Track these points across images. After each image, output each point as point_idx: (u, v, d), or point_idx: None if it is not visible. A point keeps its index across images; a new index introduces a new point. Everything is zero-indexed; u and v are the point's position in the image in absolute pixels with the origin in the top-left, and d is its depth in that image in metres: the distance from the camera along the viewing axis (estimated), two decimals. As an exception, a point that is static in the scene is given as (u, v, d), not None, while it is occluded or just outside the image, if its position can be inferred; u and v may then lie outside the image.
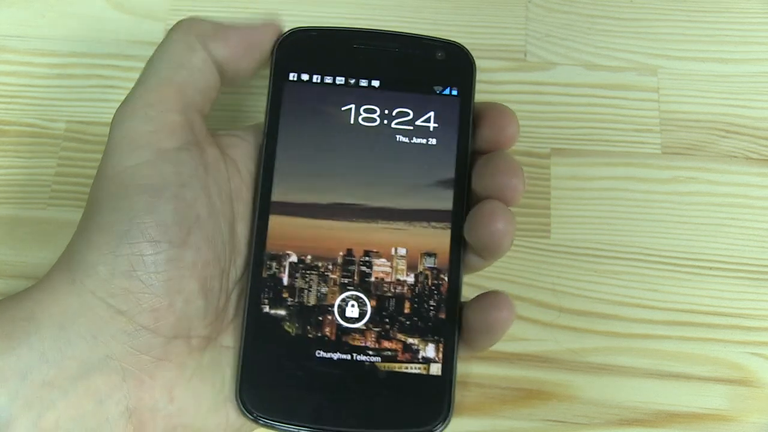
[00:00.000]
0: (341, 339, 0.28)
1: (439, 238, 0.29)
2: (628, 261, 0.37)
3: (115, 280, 0.25)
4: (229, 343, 0.29)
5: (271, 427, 0.28)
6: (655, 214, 0.37)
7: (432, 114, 0.30)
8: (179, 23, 0.29)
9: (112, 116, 0.39)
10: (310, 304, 0.29)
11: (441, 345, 0.28)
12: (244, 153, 0.30)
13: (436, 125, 0.30)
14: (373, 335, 0.29)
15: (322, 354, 0.28)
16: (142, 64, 0.39)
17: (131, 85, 0.39)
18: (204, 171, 0.27)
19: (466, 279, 0.30)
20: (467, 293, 0.29)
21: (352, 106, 0.30)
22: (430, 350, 0.28)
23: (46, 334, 0.25)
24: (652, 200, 0.37)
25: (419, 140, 0.30)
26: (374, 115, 0.30)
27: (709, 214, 0.37)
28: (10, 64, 0.39)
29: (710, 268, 0.36)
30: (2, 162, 0.38)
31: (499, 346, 0.35)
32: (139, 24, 0.40)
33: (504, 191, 0.27)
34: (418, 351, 0.28)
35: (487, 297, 0.28)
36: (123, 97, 0.38)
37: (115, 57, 0.39)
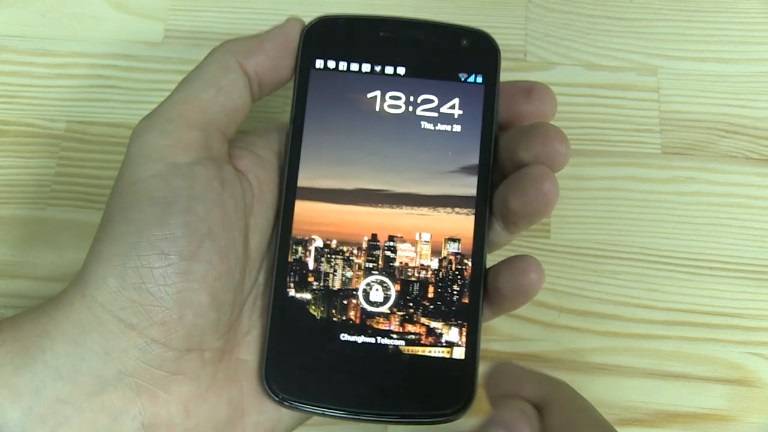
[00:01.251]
0: (366, 323, 0.29)
1: (462, 223, 0.29)
2: (628, 261, 0.37)
3: (124, 292, 0.25)
4: (245, 356, 0.29)
5: (296, 409, 0.28)
6: (655, 214, 0.37)
7: (457, 101, 0.30)
8: (217, 47, 0.29)
9: (112, 116, 0.39)
10: (335, 288, 0.29)
11: (464, 329, 0.29)
12: (253, 164, 0.30)
13: (461, 112, 0.30)
14: (397, 319, 0.29)
15: (347, 337, 0.29)
16: (142, 64, 0.39)
17: (131, 85, 0.39)
18: (220, 185, 0.27)
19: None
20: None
21: (378, 93, 0.30)
22: (453, 334, 0.29)
23: (60, 350, 0.25)
24: (652, 200, 0.37)
25: (444, 127, 0.30)
26: (399, 102, 0.30)
27: (709, 214, 0.37)
28: (10, 64, 0.39)
29: (710, 268, 0.36)
30: (2, 162, 0.38)
31: (500, 346, 0.35)
32: (139, 24, 0.40)
33: (555, 156, 0.28)
34: (441, 335, 0.29)
35: (516, 261, 0.28)
36: (123, 97, 0.39)
37: (115, 57, 0.39)
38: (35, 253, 0.36)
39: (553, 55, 0.40)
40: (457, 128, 0.30)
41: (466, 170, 0.30)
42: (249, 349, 0.29)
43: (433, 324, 0.29)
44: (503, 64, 0.39)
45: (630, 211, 0.37)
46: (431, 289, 0.29)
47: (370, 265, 0.29)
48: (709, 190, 0.38)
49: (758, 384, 0.35)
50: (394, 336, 0.29)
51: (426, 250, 0.29)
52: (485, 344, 0.35)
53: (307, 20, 0.30)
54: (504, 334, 0.35)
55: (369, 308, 0.29)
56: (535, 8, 0.41)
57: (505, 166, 0.29)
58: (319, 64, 0.30)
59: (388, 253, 0.29)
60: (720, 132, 0.39)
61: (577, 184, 0.38)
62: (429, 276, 0.29)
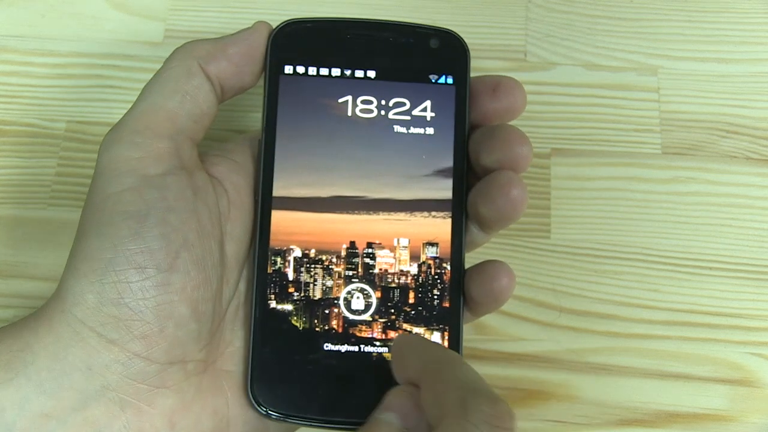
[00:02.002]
0: (348, 331, 0.29)
1: (440, 227, 0.29)
2: (628, 261, 0.37)
3: (103, 308, 0.25)
4: (229, 366, 0.28)
5: (282, 421, 0.28)
6: (655, 214, 0.37)
7: (428, 103, 0.30)
8: (178, 49, 0.29)
9: (112, 116, 0.39)
10: (315, 298, 0.29)
11: (446, 333, 0.29)
12: (229, 171, 0.30)
13: (432, 114, 0.30)
14: (379, 326, 0.29)
15: (330, 347, 0.29)
16: (142, 64, 0.39)
17: (131, 85, 0.39)
18: (192, 194, 0.27)
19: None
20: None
21: (349, 97, 0.30)
22: (435, 339, 0.29)
23: (42, 365, 0.25)
24: (652, 200, 0.37)
25: (417, 130, 0.30)
26: (371, 107, 0.30)
27: (709, 214, 0.37)
28: (10, 64, 0.39)
29: (710, 268, 0.36)
30: (2, 162, 0.38)
31: (499, 346, 0.35)
32: (139, 24, 0.40)
33: (517, 161, 0.28)
34: None
35: (487, 266, 0.28)
36: (123, 97, 0.39)
37: (115, 57, 0.39)
38: (35, 253, 0.36)
39: (553, 55, 0.40)
40: (429, 131, 0.30)
41: (441, 173, 0.30)
42: (232, 360, 0.29)
43: (416, 329, 0.29)
44: (504, 64, 0.39)
45: (630, 211, 0.37)
46: (412, 294, 0.29)
47: (350, 273, 0.29)
48: (709, 190, 0.38)
49: (758, 384, 0.35)
50: (378, 343, 0.29)
51: (405, 255, 0.29)
52: (485, 345, 0.35)
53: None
54: (504, 334, 0.35)
55: (351, 317, 0.29)
56: (535, 8, 0.41)
57: (473, 169, 0.29)
58: (289, 69, 0.30)
59: (367, 260, 0.29)
60: (720, 132, 0.39)
61: (577, 184, 0.38)
62: (409, 281, 0.29)
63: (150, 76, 0.39)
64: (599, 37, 0.40)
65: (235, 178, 0.29)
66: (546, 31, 0.40)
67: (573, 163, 0.38)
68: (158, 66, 0.39)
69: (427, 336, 0.29)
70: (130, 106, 0.36)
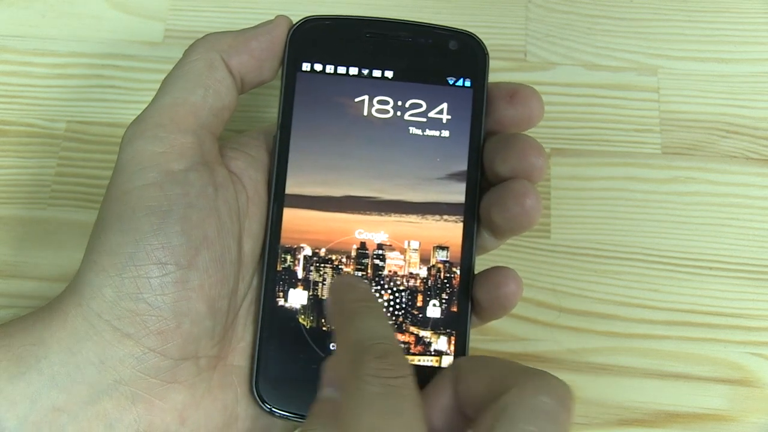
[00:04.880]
0: None
1: (451, 231, 0.29)
2: (628, 261, 0.37)
3: (121, 302, 0.25)
4: (240, 362, 0.28)
5: (286, 418, 0.28)
6: (655, 214, 0.37)
7: (445, 106, 0.30)
8: (199, 41, 0.29)
9: (112, 116, 0.39)
10: (324, 297, 0.29)
11: (453, 338, 0.29)
12: (247, 166, 0.30)
13: (449, 117, 0.30)
14: None
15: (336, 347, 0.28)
16: (142, 64, 0.39)
17: (131, 85, 0.39)
18: (213, 191, 0.27)
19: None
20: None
21: (366, 97, 0.30)
22: (442, 343, 0.29)
23: (55, 359, 0.25)
24: (652, 200, 0.37)
25: (432, 132, 0.30)
26: (387, 107, 0.30)
27: (709, 214, 0.37)
28: (10, 64, 0.39)
29: (710, 268, 0.36)
30: (2, 162, 0.38)
31: (500, 346, 0.35)
32: (139, 24, 0.40)
33: (532, 171, 0.27)
34: (430, 344, 0.29)
35: (494, 272, 0.28)
36: (123, 97, 0.39)
37: (115, 57, 0.39)
38: (35, 253, 0.36)
39: (553, 55, 0.40)
40: (445, 134, 0.30)
41: (455, 177, 0.29)
42: (244, 355, 0.29)
43: (422, 333, 0.29)
44: (504, 64, 0.39)
45: (630, 211, 0.37)
46: (420, 297, 0.29)
47: (359, 273, 0.29)
48: (709, 190, 0.38)
49: (758, 384, 0.35)
50: None
51: (415, 258, 0.29)
52: (485, 345, 0.35)
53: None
54: (504, 334, 0.35)
55: None
56: (535, 8, 0.41)
57: (486, 176, 0.29)
58: (306, 66, 0.30)
59: (377, 261, 0.29)
60: (720, 132, 0.39)
61: (577, 184, 0.38)
62: (418, 284, 0.29)
63: (150, 76, 0.39)
64: (599, 37, 0.40)
65: (253, 173, 0.29)
66: (546, 31, 0.40)
67: (573, 163, 0.38)
68: (158, 66, 0.39)
69: (433, 340, 0.29)
70: (130, 106, 0.36)
